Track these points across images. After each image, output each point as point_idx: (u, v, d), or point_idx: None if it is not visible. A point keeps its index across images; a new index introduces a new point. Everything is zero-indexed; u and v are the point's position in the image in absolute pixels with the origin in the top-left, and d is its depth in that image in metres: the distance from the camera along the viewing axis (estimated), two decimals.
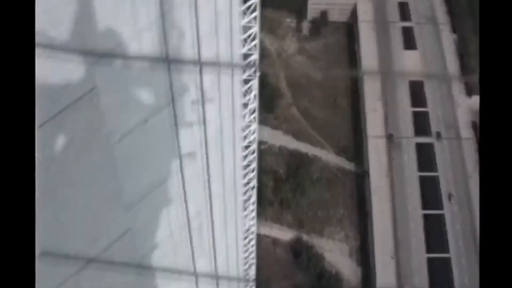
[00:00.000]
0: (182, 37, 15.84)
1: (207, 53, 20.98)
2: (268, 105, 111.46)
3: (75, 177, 11.09)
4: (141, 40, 14.06)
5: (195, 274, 18.72)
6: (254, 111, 43.59)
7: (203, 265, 23.33)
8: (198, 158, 19.14)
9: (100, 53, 12.50)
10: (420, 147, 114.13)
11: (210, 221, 20.31)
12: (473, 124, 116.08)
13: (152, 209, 17.91)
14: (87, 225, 12.39)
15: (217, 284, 23.36)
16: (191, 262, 18.70)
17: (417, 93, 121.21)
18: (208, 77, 23.89)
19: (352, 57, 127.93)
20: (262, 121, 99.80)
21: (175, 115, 12.15)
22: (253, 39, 39.79)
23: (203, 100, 16.41)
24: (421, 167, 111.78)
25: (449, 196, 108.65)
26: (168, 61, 12.11)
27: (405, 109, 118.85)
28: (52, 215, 10.25)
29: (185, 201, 14.11)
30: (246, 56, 40.03)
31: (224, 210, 33.83)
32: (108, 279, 13.57)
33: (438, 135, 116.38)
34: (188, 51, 16.30)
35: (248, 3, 33.84)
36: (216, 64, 26.09)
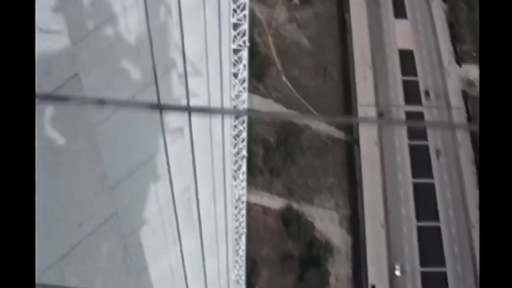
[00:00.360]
0: (169, 14, 15.73)
1: (193, 27, 20.85)
2: (258, 74, 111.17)
3: (58, 165, 11.01)
4: (127, 16, 13.92)
5: (181, 250, 18.81)
6: (244, 81, 43.57)
7: (190, 240, 23.36)
8: (185, 133, 19.05)
9: (87, 30, 12.36)
10: (410, 116, 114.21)
11: (196, 194, 20.27)
12: (464, 93, 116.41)
13: (140, 186, 17.88)
14: (71, 212, 12.33)
15: (203, 258, 23.45)
16: (178, 238, 18.73)
17: (407, 62, 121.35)
18: (196, 50, 23.77)
19: (343, 26, 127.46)
20: (252, 90, 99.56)
21: (158, 91, 12.00)
22: (243, 9, 39.60)
23: (185, 74, 16.26)
24: (411, 136, 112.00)
25: (437, 153, 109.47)
26: (150, 38, 12.02)
27: (395, 78, 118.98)
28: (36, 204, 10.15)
29: (170, 176, 14.06)
30: (236, 25, 39.89)
31: (213, 182, 33.82)
32: (94, 262, 13.55)
33: (427, 93, 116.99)
34: (173, 29, 16.19)
35: None
36: (203, 33, 25.97)
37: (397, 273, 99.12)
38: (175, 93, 18.32)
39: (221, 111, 24.84)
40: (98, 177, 12.54)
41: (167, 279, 25.00)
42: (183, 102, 18.70)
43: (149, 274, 19.64)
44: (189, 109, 7.95)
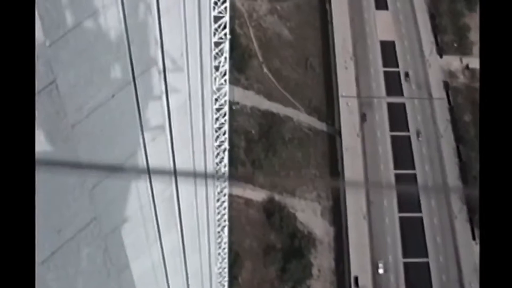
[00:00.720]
0: (149, 11, 15.61)
1: (173, 23, 20.71)
2: (240, 65, 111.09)
3: (37, 170, 10.86)
4: (107, 14, 13.81)
5: (161, 246, 18.78)
6: (225, 74, 43.42)
7: (172, 234, 23.30)
8: (167, 129, 18.96)
9: (65, 28, 12.21)
10: (391, 107, 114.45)
11: (177, 189, 20.20)
12: (445, 84, 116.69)
13: (121, 184, 17.75)
14: (50, 217, 12.18)
15: (184, 254, 23.42)
16: (158, 234, 18.69)
17: (388, 53, 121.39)
18: (176, 46, 23.62)
19: (324, 17, 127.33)
20: (234, 82, 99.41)
21: (136, 89, 11.90)
22: (224, 1, 39.44)
23: (164, 71, 16.17)
24: (392, 127, 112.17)
25: (417, 134, 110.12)
26: (127, 36, 11.93)
27: (377, 69, 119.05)
28: None
29: (149, 173, 14.01)
30: (217, 18, 39.73)
31: (194, 175, 33.72)
32: (74, 267, 13.43)
33: (406, 75, 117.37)
34: (154, 26, 16.08)
35: None
36: (183, 28, 25.81)
37: (380, 271, 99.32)
38: (155, 90, 18.21)
39: (204, 175, 24.80)
40: (77, 182, 12.40)
41: (150, 275, 24.92)
42: (163, 99, 18.64)
43: (131, 272, 19.54)
44: (175, 174, 7.93)
